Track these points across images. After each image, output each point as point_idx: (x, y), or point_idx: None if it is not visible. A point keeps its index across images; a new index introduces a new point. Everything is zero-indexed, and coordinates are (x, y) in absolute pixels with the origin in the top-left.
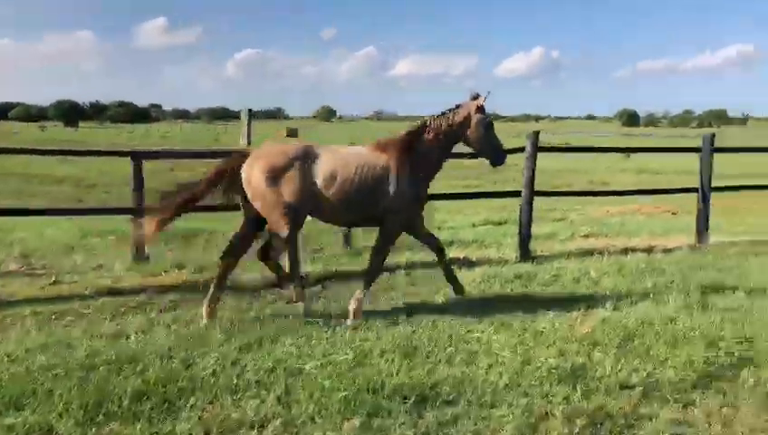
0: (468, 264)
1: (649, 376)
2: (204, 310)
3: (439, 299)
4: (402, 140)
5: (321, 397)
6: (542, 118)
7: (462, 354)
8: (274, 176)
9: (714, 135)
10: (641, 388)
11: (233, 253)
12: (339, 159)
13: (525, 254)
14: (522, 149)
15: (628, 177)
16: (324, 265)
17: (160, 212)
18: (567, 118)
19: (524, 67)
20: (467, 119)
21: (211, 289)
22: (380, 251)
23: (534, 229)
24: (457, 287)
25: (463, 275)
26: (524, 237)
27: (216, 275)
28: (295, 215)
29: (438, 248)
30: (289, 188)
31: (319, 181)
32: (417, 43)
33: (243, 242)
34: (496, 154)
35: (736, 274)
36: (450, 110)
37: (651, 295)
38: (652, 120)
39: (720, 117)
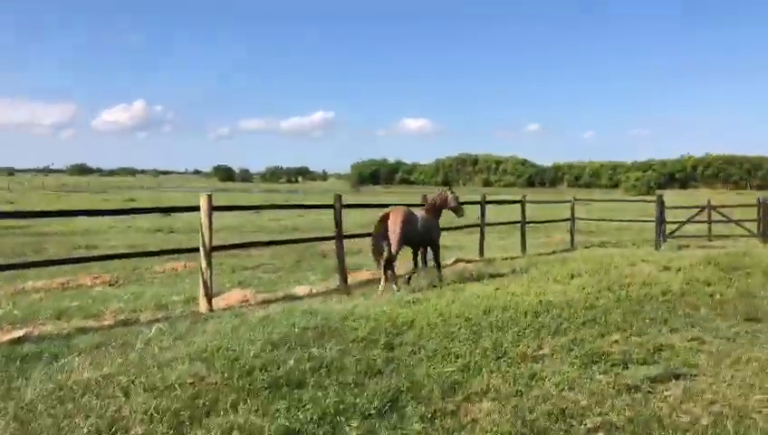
0: None
1: None
2: (381, 287)
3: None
4: (431, 207)
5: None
6: (146, 171)
7: None
8: (404, 223)
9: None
10: None
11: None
12: (420, 217)
13: None
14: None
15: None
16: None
17: (379, 256)
18: (173, 172)
19: (126, 119)
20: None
21: (383, 280)
22: (438, 256)
23: None
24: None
25: None
26: None
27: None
28: (403, 243)
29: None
30: (406, 229)
31: (418, 226)
32: None
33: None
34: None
35: None
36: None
37: None
38: (246, 176)
39: (304, 173)
